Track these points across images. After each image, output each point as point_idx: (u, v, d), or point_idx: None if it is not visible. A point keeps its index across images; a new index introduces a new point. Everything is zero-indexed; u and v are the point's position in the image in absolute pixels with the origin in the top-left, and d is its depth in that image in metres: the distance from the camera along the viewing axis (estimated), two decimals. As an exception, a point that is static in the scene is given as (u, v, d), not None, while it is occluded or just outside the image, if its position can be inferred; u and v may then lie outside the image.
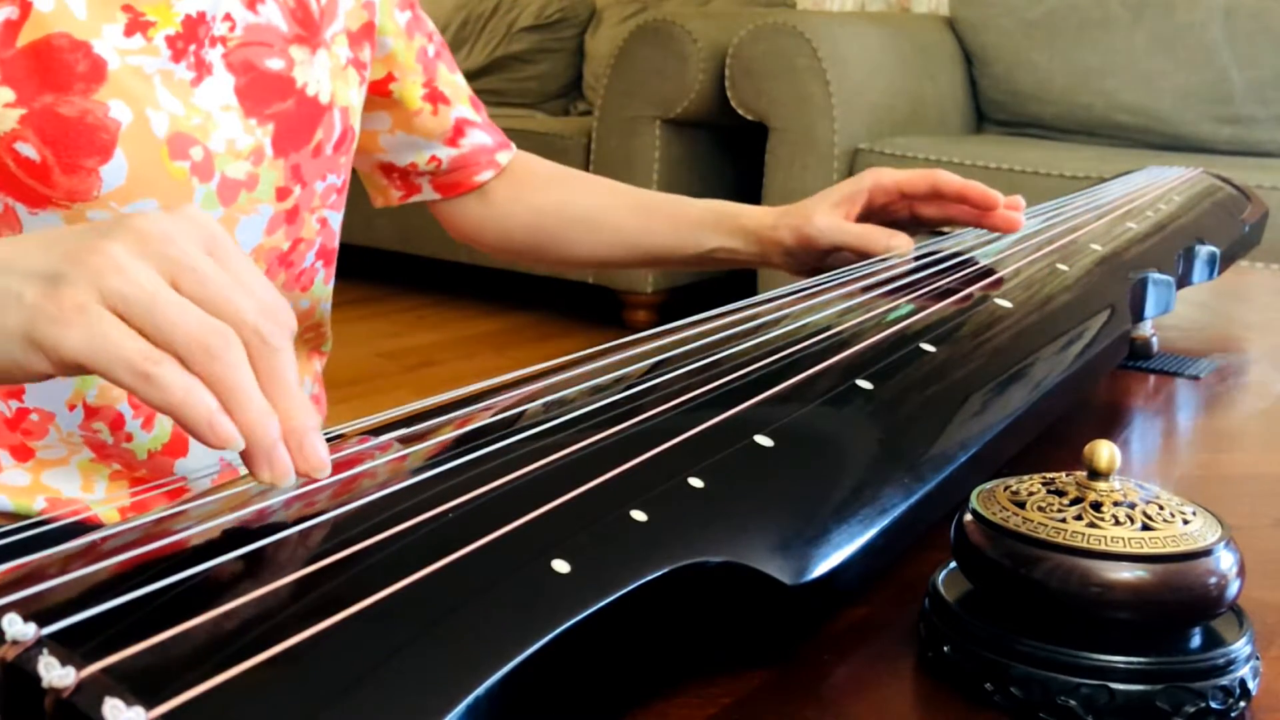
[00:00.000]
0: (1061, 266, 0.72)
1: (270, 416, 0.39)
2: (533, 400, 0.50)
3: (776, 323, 0.60)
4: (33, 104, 0.61)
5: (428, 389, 0.52)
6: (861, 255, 0.82)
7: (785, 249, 0.87)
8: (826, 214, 0.85)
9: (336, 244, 0.79)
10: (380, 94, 0.84)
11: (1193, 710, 0.39)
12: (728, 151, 2.81)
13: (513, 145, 0.95)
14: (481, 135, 0.91)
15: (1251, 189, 1.15)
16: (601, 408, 0.47)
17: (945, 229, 0.86)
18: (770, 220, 0.88)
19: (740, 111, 2.58)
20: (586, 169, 2.82)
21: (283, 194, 0.71)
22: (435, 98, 0.87)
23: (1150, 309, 0.77)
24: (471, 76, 3.59)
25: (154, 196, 0.64)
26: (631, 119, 2.71)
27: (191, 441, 0.71)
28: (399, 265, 3.13)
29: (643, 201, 0.94)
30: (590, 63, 3.44)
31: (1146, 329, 0.86)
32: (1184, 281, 0.86)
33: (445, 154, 0.89)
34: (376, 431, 0.48)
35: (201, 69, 0.67)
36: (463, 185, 0.92)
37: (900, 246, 0.81)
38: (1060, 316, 0.67)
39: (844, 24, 2.69)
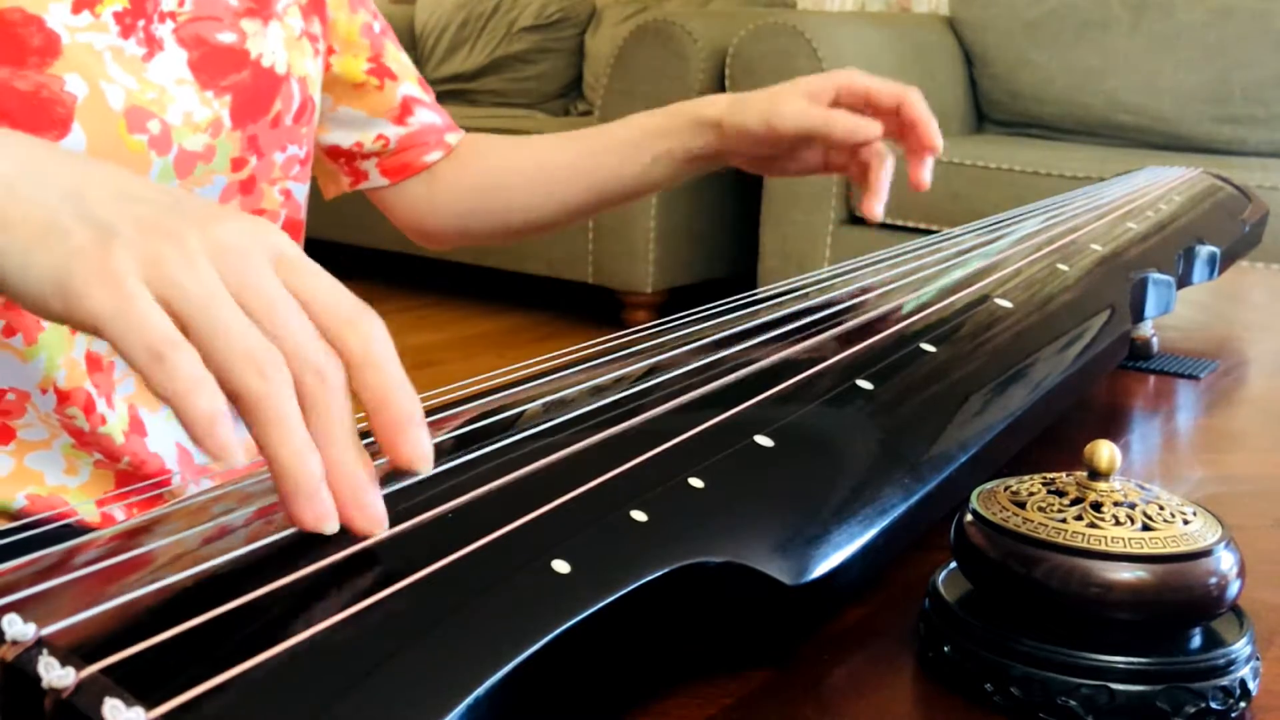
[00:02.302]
0: (1062, 266, 0.72)
1: (313, 452, 0.36)
2: (533, 401, 0.50)
3: (776, 322, 0.60)
4: None
5: (428, 389, 0.52)
6: (827, 144, 0.82)
7: (749, 136, 0.84)
8: (791, 101, 0.83)
9: (302, 216, 0.78)
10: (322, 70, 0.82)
11: (1193, 710, 0.39)
12: (728, 151, 2.81)
13: (461, 130, 0.92)
14: (430, 114, 0.89)
15: (1251, 189, 1.15)
16: (601, 408, 0.47)
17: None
18: (728, 104, 0.85)
19: (740, 111, 2.58)
20: (586, 169, 2.82)
21: (238, 164, 0.70)
22: (381, 73, 0.85)
23: (1150, 309, 0.77)
24: (471, 76, 3.60)
25: None
26: (631, 119, 2.71)
27: (149, 425, 0.71)
28: (399, 265, 3.13)
29: (587, 132, 0.92)
30: (590, 63, 3.44)
31: (1147, 329, 0.86)
32: (1184, 282, 0.86)
33: (393, 132, 0.87)
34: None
35: (152, 45, 0.67)
36: (411, 167, 0.89)
37: (867, 130, 0.81)
38: (1060, 316, 0.67)
39: (844, 24, 2.69)
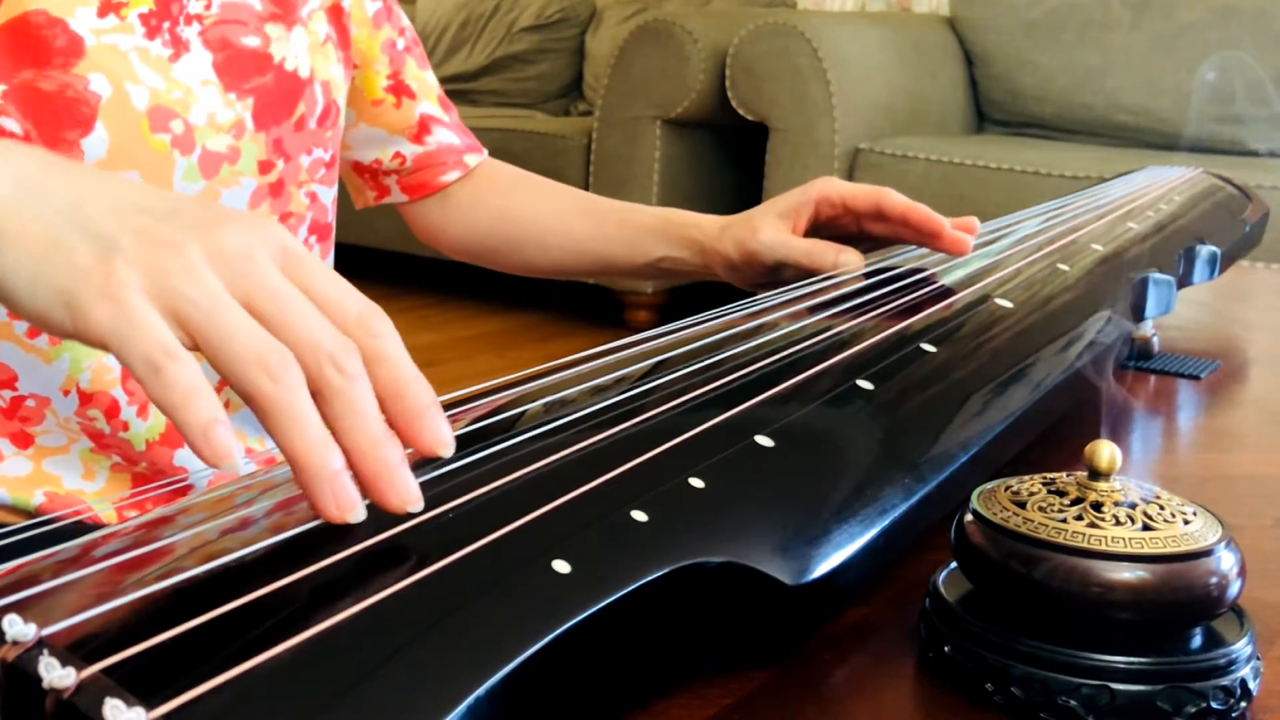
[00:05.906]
0: (1062, 266, 0.72)
1: (330, 445, 0.37)
2: (533, 401, 0.50)
3: (777, 323, 0.60)
4: (13, 80, 0.62)
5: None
6: (809, 271, 0.77)
7: (728, 262, 0.83)
8: (772, 227, 0.80)
9: (330, 219, 0.79)
10: None
11: (1194, 710, 0.39)
12: (728, 151, 2.81)
13: (484, 150, 0.94)
14: (449, 135, 0.90)
15: (1251, 189, 1.15)
16: (602, 408, 0.47)
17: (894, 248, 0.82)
18: (715, 231, 0.84)
19: (740, 111, 2.58)
20: (586, 169, 2.83)
21: (265, 167, 0.71)
22: (400, 90, 0.86)
23: (1151, 309, 0.77)
24: (471, 76, 3.59)
25: (135, 169, 0.65)
26: (632, 119, 2.71)
27: None
28: (399, 265, 3.13)
29: (595, 207, 0.93)
30: (590, 63, 3.44)
31: (1147, 329, 0.86)
32: (1185, 281, 0.86)
33: (410, 150, 0.89)
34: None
35: (178, 46, 0.68)
36: (428, 186, 0.91)
37: (850, 263, 0.76)
38: (1061, 316, 0.67)
39: (844, 24, 2.69)
